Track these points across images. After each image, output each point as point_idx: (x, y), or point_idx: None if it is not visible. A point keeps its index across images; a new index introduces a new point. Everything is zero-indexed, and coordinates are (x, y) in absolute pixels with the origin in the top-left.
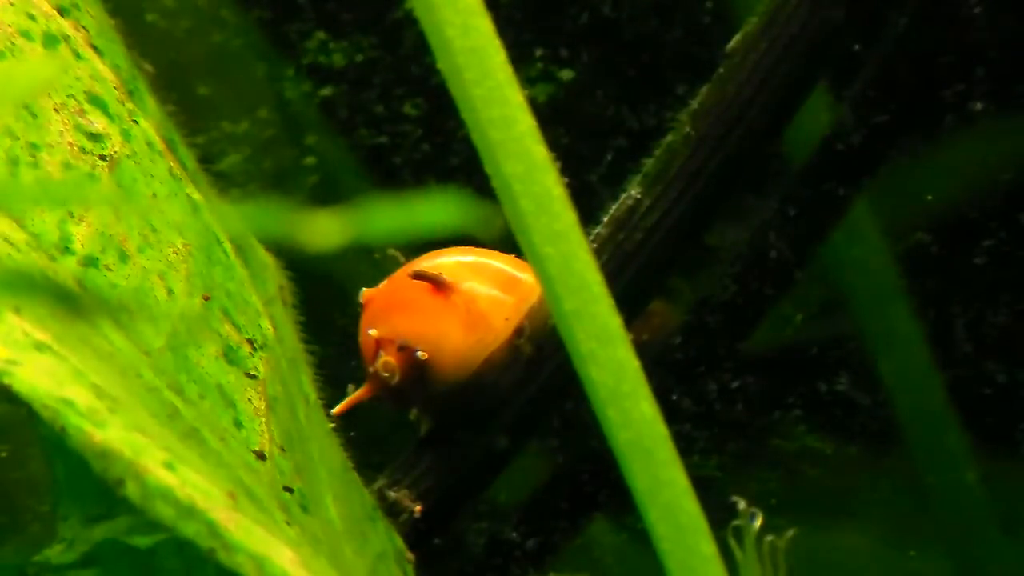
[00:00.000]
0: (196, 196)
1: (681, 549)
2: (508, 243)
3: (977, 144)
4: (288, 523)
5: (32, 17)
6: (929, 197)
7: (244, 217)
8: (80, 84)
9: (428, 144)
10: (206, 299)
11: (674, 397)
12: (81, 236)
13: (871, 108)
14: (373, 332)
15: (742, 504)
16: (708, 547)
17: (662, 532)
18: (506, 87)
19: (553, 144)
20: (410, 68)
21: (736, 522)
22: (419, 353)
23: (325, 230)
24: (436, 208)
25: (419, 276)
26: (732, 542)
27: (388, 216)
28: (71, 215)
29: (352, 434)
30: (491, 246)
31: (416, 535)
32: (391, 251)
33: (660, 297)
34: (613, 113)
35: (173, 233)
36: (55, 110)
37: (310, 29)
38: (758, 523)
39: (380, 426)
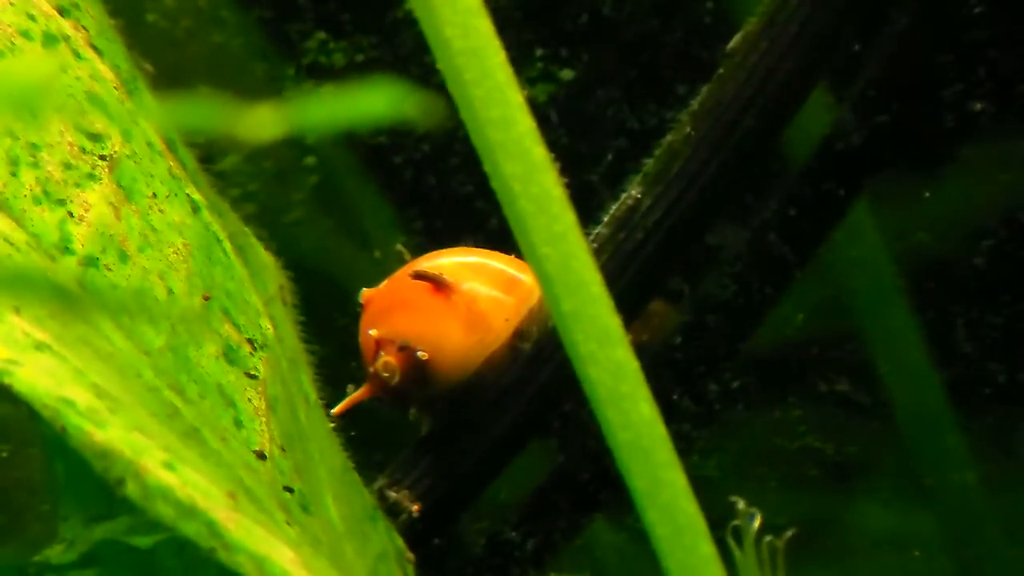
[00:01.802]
0: (196, 196)
1: (680, 549)
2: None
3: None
4: (288, 523)
5: (32, 17)
6: (927, 194)
7: (179, 114)
8: (80, 84)
9: (428, 144)
10: (206, 299)
11: (674, 397)
12: (81, 236)
13: (871, 108)
14: (373, 332)
15: (741, 504)
16: (707, 547)
17: (661, 532)
18: (505, 88)
19: (553, 144)
20: (410, 68)
21: (735, 522)
22: (419, 353)
23: (261, 122)
24: (374, 98)
25: (419, 276)
26: (731, 542)
27: (326, 107)
28: (71, 215)
29: (352, 434)
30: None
31: (416, 535)
32: (398, 247)
33: (660, 297)
34: (613, 113)
35: (173, 233)
36: (55, 110)
37: (310, 29)
38: (757, 523)
39: (380, 426)
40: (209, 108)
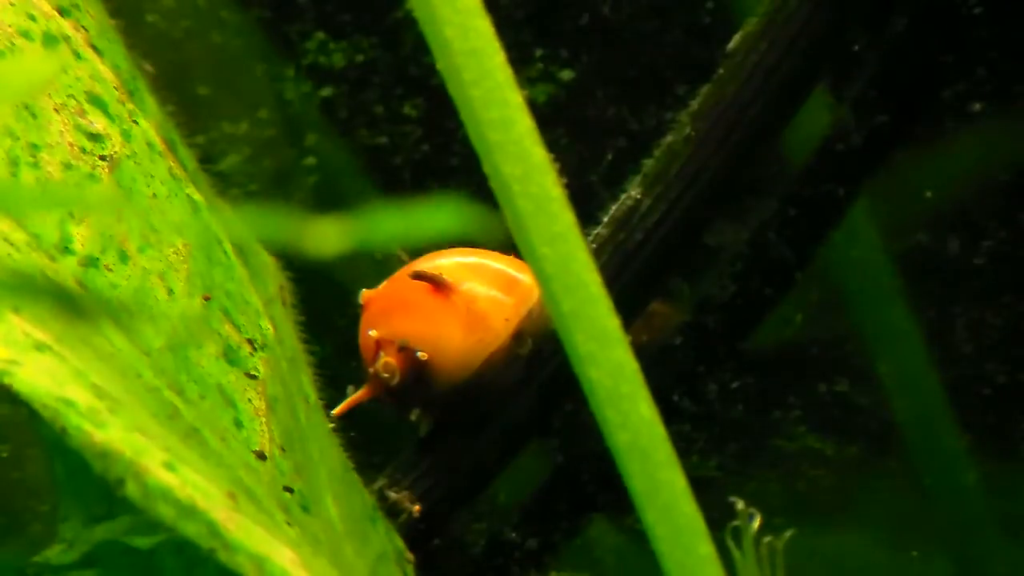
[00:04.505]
0: (196, 196)
1: (679, 550)
2: (509, 246)
3: (976, 142)
4: (288, 523)
5: (32, 17)
6: (928, 194)
7: (246, 222)
8: (80, 84)
9: (428, 144)
10: (206, 299)
11: (674, 398)
12: (81, 236)
13: (871, 108)
14: (373, 333)
15: (740, 505)
16: (706, 548)
17: (660, 533)
18: (505, 88)
19: (553, 144)
20: (410, 69)
21: (734, 523)
22: (419, 354)
23: (326, 236)
24: (437, 214)
25: (419, 277)
26: (730, 543)
27: (389, 222)
28: (71, 215)
29: (352, 434)
30: (493, 247)
31: (416, 535)
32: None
33: (660, 297)
34: (613, 113)
35: (173, 233)
36: (55, 110)
37: (310, 29)
38: (756, 524)
39: (380, 426)
40: (278, 220)
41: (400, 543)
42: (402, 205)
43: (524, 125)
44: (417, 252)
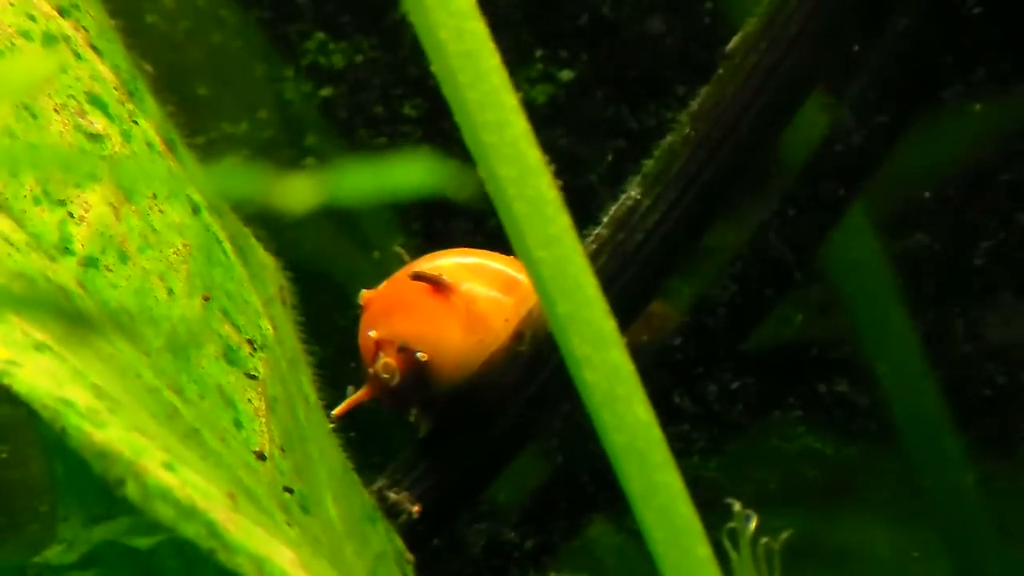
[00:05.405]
0: (196, 196)
1: (676, 551)
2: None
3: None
4: (288, 523)
5: (32, 18)
6: (928, 194)
7: (218, 181)
8: (80, 85)
9: (428, 144)
10: (206, 300)
11: (674, 398)
12: (81, 237)
13: (871, 108)
14: (373, 333)
15: (737, 506)
16: (703, 549)
17: (657, 535)
18: (500, 91)
19: (552, 145)
20: (409, 69)
21: (731, 524)
22: (419, 354)
23: (296, 192)
24: (408, 169)
25: (419, 277)
26: (727, 544)
27: (361, 178)
28: (71, 215)
29: (352, 435)
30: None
31: (416, 536)
32: (396, 248)
33: (659, 298)
34: (613, 114)
35: (173, 234)
36: (55, 111)
37: (310, 29)
38: (753, 525)
39: (380, 426)
40: (249, 176)
41: (400, 543)
42: (373, 160)
43: (519, 127)
44: (417, 252)
